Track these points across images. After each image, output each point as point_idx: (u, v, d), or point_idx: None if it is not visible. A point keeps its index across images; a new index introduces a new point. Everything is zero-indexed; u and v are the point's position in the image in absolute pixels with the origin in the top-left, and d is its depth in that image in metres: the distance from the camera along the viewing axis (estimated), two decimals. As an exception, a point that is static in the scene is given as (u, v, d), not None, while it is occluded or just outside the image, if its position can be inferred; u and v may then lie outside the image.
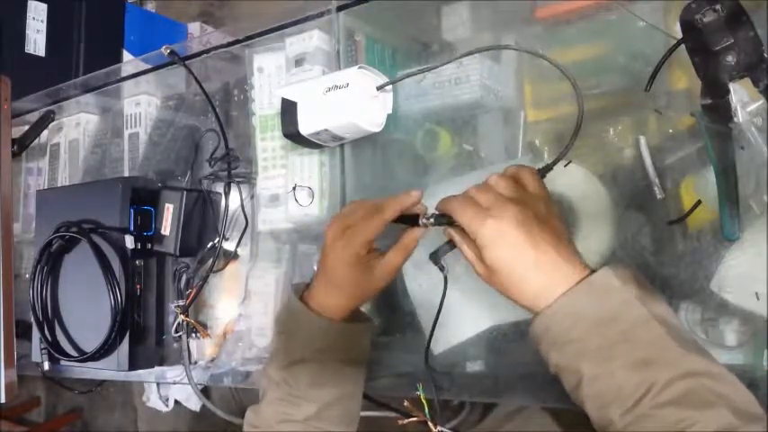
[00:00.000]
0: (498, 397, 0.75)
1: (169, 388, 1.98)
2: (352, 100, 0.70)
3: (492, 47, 0.69)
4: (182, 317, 0.88)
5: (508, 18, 0.72)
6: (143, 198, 0.88)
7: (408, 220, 0.63)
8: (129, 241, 0.85)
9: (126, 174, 1.05)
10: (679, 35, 0.55)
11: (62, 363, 0.96)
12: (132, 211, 0.87)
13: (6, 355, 0.95)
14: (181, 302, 0.88)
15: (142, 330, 0.89)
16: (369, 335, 0.69)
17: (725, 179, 0.54)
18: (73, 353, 0.91)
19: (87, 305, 0.89)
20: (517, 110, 0.71)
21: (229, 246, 0.90)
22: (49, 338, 0.93)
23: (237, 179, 0.89)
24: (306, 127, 0.74)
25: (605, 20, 0.65)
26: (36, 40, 1.66)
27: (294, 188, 0.81)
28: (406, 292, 0.74)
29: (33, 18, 1.66)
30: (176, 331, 0.89)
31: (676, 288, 0.59)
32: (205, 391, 1.63)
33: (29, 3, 1.65)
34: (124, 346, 0.86)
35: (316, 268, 0.69)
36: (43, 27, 1.68)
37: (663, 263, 0.60)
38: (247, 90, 0.89)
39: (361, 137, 0.75)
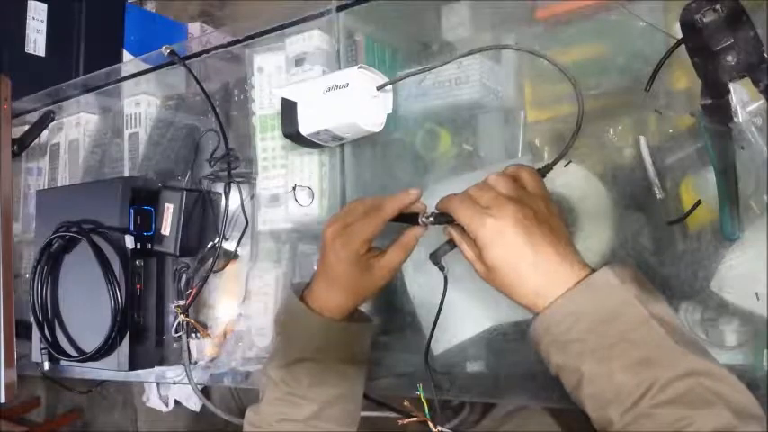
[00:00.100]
0: (498, 397, 0.75)
1: (169, 388, 1.98)
2: (352, 100, 0.70)
3: (492, 47, 0.69)
4: (182, 317, 0.88)
5: (508, 18, 0.72)
6: (143, 198, 0.89)
7: (408, 218, 0.63)
8: (129, 241, 0.85)
9: (126, 174, 1.05)
10: (679, 35, 0.55)
11: (62, 363, 0.96)
12: (132, 211, 0.87)
13: (6, 355, 0.95)
14: (181, 302, 0.88)
15: (142, 330, 0.89)
16: (369, 334, 0.69)
17: (725, 179, 0.54)
18: (73, 353, 0.91)
19: (87, 305, 0.89)
20: (517, 110, 0.71)
21: (229, 246, 0.90)
22: (49, 338, 0.93)
23: (237, 179, 0.89)
24: (306, 127, 0.74)
25: (605, 20, 0.65)
26: (36, 40, 1.66)
27: (294, 188, 0.81)
28: (406, 292, 0.74)
29: (33, 18, 1.66)
30: (176, 331, 0.90)
31: (676, 288, 0.59)
32: (205, 391, 1.63)
33: (29, 3, 1.65)
34: (124, 346, 0.86)
35: (315, 268, 0.69)
36: (43, 27, 1.68)
37: (663, 263, 0.60)
38: (247, 90, 0.89)
39: (361, 137, 0.75)
